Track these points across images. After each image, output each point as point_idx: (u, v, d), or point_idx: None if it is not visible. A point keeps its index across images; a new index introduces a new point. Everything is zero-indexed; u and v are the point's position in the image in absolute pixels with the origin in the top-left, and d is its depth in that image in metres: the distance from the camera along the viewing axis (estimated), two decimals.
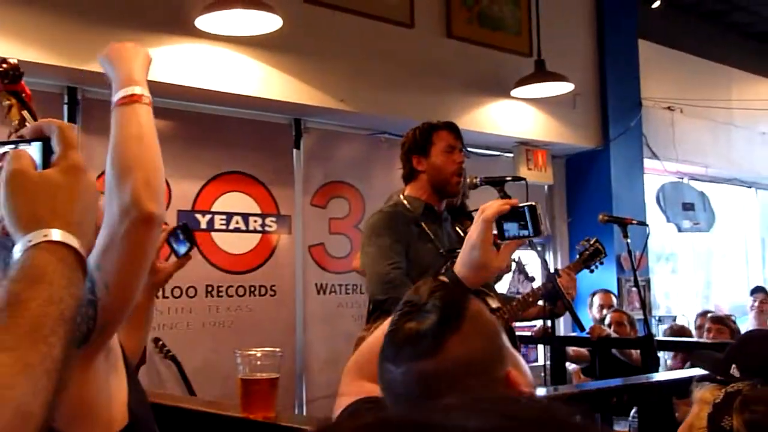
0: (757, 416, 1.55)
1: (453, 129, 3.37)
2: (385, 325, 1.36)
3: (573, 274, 3.49)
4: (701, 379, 1.92)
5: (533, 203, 1.65)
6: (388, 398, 1.27)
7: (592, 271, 3.72)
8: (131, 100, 1.60)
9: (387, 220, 3.23)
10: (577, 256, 3.69)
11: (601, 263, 3.71)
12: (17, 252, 0.92)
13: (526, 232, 1.64)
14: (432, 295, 1.25)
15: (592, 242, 3.67)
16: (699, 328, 5.87)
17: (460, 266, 1.62)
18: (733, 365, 1.90)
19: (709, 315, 5.72)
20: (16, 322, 0.83)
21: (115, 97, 1.60)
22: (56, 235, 0.93)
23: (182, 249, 2.34)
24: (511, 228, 1.64)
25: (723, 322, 5.41)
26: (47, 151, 1.01)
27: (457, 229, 3.47)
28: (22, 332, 0.82)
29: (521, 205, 1.64)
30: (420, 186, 3.33)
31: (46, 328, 0.84)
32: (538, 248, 3.56)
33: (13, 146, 1.03)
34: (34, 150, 1.01)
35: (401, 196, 3.38)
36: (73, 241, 0.94)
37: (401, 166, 3.41)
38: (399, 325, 1.25)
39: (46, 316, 0.85)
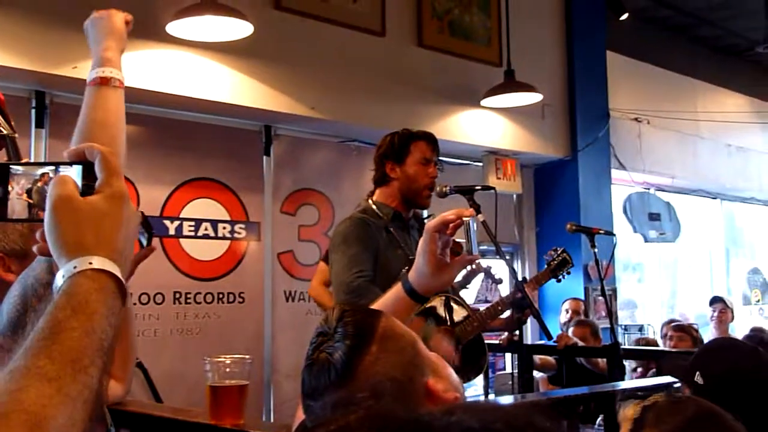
0: (669, 427, 1.56)
1: (431, 141, 3.38)
2: None
3: (535, 287, 3.52)
4: (625, 397, 1.95)
5: (469, 218, 1.58)
6: None
7: (559, 281, 3.76)
8: (101, 81, 1.60)
9: (356, 228, 3.21)
10: (546, 266, 3.72)
11: (569, 273, 3.76)
12: (60, 278, 0.92)
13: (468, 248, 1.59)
14: (339, 322, 1.25)
15: (559, 252, 3.71)
16: (664, 337, 5.93)
17: (413, 273, 1.60)
18: (697, 372, 1.94)
19: (672, 324, 5.79)
20: (59, 351, 0.83)
21: (89, 76, 1.60)
22: (101, 263, 0.93)
23: (142, 240, 2.32)
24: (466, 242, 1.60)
25: (684, 330, 5.48)
26: (88, 176, 1.00)
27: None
28: (65, 362, 0.83)
29: (464, 218, 1.58)
30: (390, 192, 3.34)
31: (86, 358, 0.84)
32: (507, 257, 3.59)
33: (53, 167, 1.02)
34: (73, 173, 1.00)
35: (370, 201, 3.37)
36: (116, 270, 0.94)
37: (374, 168, 3.40)
38: (312, 359, 1.24)
39: (87, 347, 0.85)
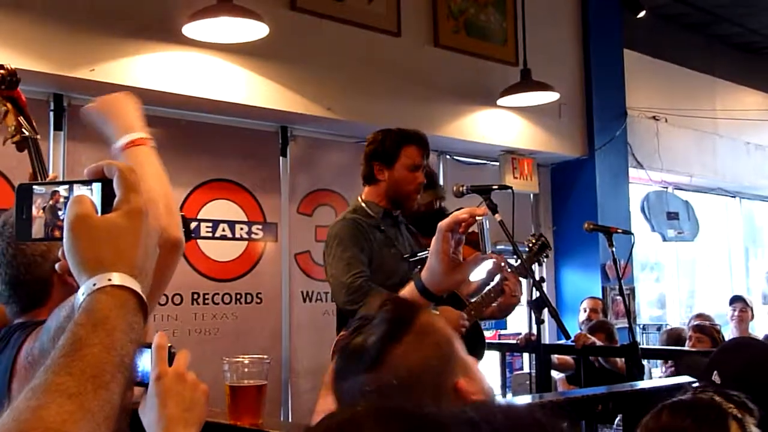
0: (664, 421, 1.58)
1: (422, 145, 3.42)
2: None
3: (517, 277, 3.51)
4: (672, 389, 1.95)
5: (482, 217, 1.57)
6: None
7: (540, 264, 3.80)
8: (140, 142, 1.64)
9: (349, 229, 3.26)
10: (527, 251, 3.70)
11: (547, 257, 3.76)
12: (81, 295, 0.93)
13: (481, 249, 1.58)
14: (380, 310, 1.26)
15: (537, 236, 3.72)
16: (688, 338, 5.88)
17: (425, 271, 1.60)
18: (715, 372, 1.93)
19: (693, 323, 5.75)
20: (79, 367, 0.84)
21: (120, 143, 1.61)
22: (120, 279, 0.93)
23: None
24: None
25: (705, 331, 5.44)
26: (107, 193, 1.00)
27: (415, 232, 3.55)
28: (85, 378, 0.83)
29: (477, 217, 1.57)
30: (378, 192, 3.39)
31: (107, 374, 0.85)
32: (524, 256, 3.58)
33: (70, 185, 1.03)
34: (93, 190, 1.01)
35: (360, 199, 3.43)
36: (136, 286, 0.95)
37: (362, 163, 3.45)
38: (348, 341, 1.27)
39: (107, 363, 0.86)
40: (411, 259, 3.33)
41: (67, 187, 1.03)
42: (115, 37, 4.40)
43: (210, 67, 4.79)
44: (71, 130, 4.55)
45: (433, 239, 1.56)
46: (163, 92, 4.59)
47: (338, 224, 3.33)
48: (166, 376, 1.49)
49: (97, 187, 1.01)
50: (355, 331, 1.27)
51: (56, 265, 1.05)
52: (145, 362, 1.51)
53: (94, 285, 0.92)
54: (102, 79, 4.33)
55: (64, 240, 0.97)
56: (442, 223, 1.56)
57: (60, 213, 1.02)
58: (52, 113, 4.52)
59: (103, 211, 0.99)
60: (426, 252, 3.49)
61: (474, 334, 3.41)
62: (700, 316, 6.54)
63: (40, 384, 0.82)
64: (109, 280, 0.93)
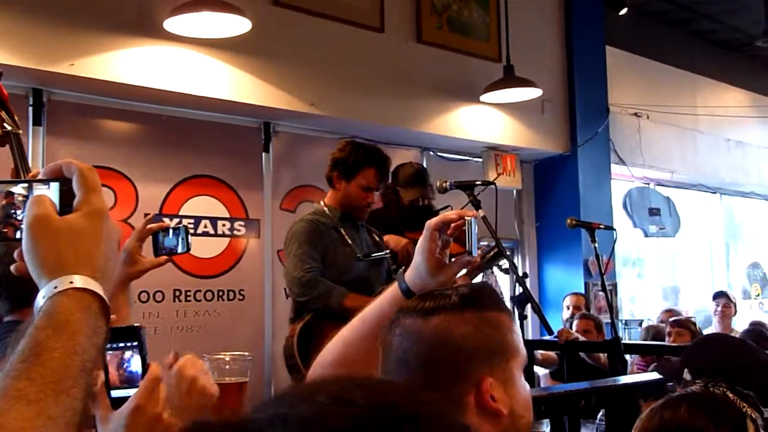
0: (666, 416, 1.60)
1: (382, 170, 3.70)
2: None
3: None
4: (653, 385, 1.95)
5: (471, 218, 1.55)
6: (381, 353, 1.33)
7: (492, 273, 3.87)
8: None
9: (306, 229, 3.61)
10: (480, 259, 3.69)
11: (500, 267, 3.74)
12: (41, 298, 0.90)
13: (176, 250, 1.54)
14: (464, 287, 1.35)
15: (492, 248, 3.68)
16: (667, 335, 5.90)
17: (410, 271, 1.56)
18: (686, 369, 1.93)
19: (671, 319, 5.77)
20: (39, 373, 0.81)
21: None
22: (82, 282, 0.91)
23: (180, 247, 2.33)
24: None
25: (683, 325, 5.47)
26: (66, 193, 0.97)
27: (374, 236, 3.87)
28: (46, 383, 0.80)
29: (466, 218, 1.55)
30: (335, 198, 3.74)
31: (69, 379, 0.82)
32: (507, 252, 3.59)
33: (27, 184, 1.00)
34: (51, 190, 0.98)
35: (322, 202, 3.77)
36: (98, 288, 0.92)
37: (327, 164, 3.75)
38: (430, 293, 1.35)
39: (69, 367, 0.83)
40: (364, 259, 3.63)
41: (25, 185, 1.00)
42: (95, 31, 4.36)
43: (192, 62, 4.75)
44: (50, 125, 4.51)
45: (420, 237, 1.54)
46: (144, 87, 4.55)
47: (296, 225, 3.69)
48: (144, 412, 1.38)
49: (55, 186, 0.98)
50: (437, 292, 1.35)
51: (11, 267, 1.00)
52: (135, 364, 1.46)
53: (55, 288, 0.89)
54: (82, 74, 4.29)
55: (23, 241, 0.94)
56: (430, 222, 1.53)
57: (18, 212, 0.99)
58: (31, 108, 4.47)
59: (62, 212, 0.96)
60: (382, 253, 3.69)
61: None
62: (669, 311, 6.59)
63: None
64: (71, 282, 0.90)
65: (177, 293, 4.98)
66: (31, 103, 4.48)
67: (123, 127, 4.95)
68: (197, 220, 5.12)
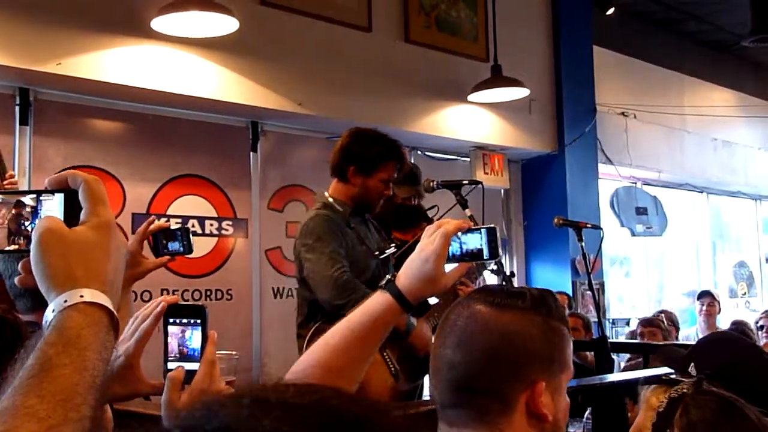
0: (695, 418, 1.57)
1: (400, 161, 3.45)
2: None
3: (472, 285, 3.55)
4: (646, 382, 1.96)
5: (493, 225, 1.55)
6: (440, 326, 1.42)
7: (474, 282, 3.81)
8: None
9: (325, 224, 3.30)
10: None
11: (477, 276, 3.76)
12: (51, 312, 0.89)
13: (482, 255, 1.56)
14: (539, 290, 1.42)
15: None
16: (640, 335, 5.86)
17: (406, 278, 1.50)
18: (692, 363, 1.94)
19: (640, 318, 5.78)
20: (49, 389, 0.80)
21: None
22: (92, 295, 0.90)
23: (181, 249, 2.36)
24: (466, 247, 1.56)
25: (653, 324, 5.49)
26: (72, 205, 0.96)
27: (379, 230, 3.61)
28: (56, 401, 0.79)
29: (481, 226, 1.55)
30: (345, 192, 3.42)
31: (78, 396, 0.81)
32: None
33: (34, 195, 0.99)
34: (56, 202, 0.97)
35: (327, 195, 3.45)
36: (107, 302, 0.91)
37: (333, 159, 3.46)
38: (500, 288, 1.43)
39: (79, 384, 0.82)
40: (381, 257, 3.37)
41: (33, 197, 0.99)
42: (82, 30, 4.35)
43: (179, 61, 4.75)
44: (37, 124, 4.49)
45: (427, 245, 1.49)
46: (131, 87, 4.54)
47: (313, 220, 3.34)
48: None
49: (59, 197, 0.97)
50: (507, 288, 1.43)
51: (15, 279, 0.99)
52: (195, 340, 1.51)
53: (65, 301, 0.88)
54: (69, 73, 4.28)
55: (32, 253, 0.93)
56: (449, 228, 1.49)
57: (26, 224, 0.98)
58: (18, 108, 4.45)
59: (67, 224, 0.95)
60: (392, 249, 3.52)
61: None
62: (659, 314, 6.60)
63: (8, 407, 0.78)
64: (81, 296, 0.89)
65: (165, 293, 4.96)
66: (17, 102, 4.46)
67: (110, 127, 4.93)
68: (185, 219, 5.11)
